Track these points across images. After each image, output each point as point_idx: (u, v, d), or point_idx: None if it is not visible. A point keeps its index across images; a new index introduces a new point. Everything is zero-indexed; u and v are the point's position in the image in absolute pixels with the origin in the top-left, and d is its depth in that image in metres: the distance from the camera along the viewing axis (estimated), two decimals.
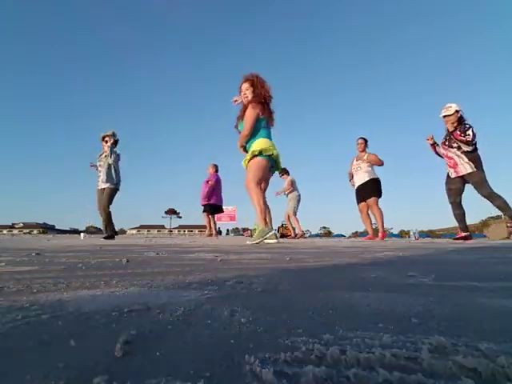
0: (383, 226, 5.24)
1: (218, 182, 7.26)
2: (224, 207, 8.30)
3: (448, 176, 4.44)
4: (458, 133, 4.11)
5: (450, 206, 4.44)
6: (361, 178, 5.41)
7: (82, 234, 7.92)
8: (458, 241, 4.24)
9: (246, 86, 3.27)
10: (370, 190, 5.30)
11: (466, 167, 4.16)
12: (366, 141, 5.58)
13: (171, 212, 67.12)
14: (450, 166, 4.35)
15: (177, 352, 0.32)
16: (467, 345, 0.34)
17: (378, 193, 5.30)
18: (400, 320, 0.45)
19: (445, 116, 4.31)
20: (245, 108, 3.23)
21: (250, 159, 3.15)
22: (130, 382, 0.26)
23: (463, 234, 4.36)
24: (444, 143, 4.42)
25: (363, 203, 5.40)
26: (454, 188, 4.36)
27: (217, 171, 7.37)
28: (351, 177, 5.68)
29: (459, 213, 4.38)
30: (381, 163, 5.38)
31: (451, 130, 4.28)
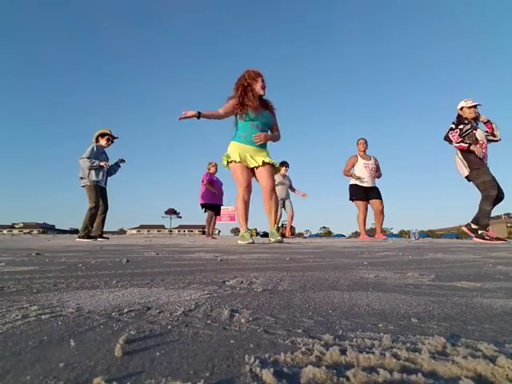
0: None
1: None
2: (224, 207, 8.29)
3: (486, 165, 3.98)
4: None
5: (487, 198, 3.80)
6: (371, 179, 5.43)
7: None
8: (492, 242, 3.72)
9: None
10: (378, 194, 5.44)
11: None
12: (366, 142, 5.65)
13: (171, 212, 67.13)
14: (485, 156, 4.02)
15: (177, 352, 0.32)
16: (467, 345, 0.34)
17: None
18: (400, 320, 0.45)
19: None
20: (266, 102, 3.23)
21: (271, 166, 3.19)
22: (130, 382, 0.26)
23: (493, 233, 3.93)
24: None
25: (366, 202, 5.44)
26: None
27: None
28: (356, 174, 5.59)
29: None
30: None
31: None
